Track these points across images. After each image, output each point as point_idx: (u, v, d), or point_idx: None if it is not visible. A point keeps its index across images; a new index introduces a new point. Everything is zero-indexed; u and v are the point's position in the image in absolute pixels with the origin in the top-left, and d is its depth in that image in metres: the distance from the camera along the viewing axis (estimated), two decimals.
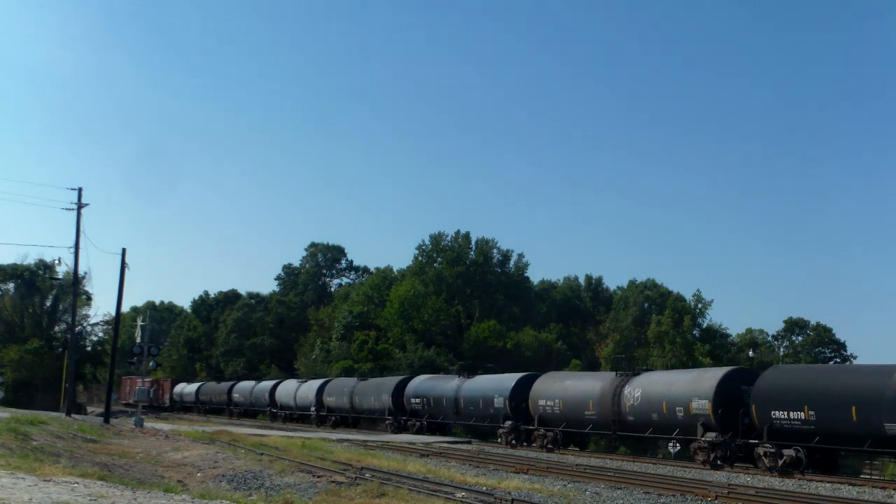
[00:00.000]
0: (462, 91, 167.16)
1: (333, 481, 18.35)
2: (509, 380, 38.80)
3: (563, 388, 35.27)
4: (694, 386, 29.01)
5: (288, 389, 59.87)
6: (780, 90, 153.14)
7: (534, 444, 35.59)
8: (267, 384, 65.01)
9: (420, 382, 45.70)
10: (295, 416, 58.58)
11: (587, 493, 18.93)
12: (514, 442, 36.39)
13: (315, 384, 56.19)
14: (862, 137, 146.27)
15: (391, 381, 48.32)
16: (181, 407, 79.16)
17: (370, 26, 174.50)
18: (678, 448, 33.30)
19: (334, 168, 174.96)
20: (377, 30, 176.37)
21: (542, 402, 35.54)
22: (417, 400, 44.49)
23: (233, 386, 70.83)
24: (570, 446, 35.42)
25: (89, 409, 68.37)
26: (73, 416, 40.83)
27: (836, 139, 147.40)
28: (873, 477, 25.22)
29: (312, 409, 54.54)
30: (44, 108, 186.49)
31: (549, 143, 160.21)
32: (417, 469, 22.01)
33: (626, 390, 31.51)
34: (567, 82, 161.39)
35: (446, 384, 43.19)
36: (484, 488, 18.10)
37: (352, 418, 51.62)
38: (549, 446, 34.44)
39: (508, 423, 37.02)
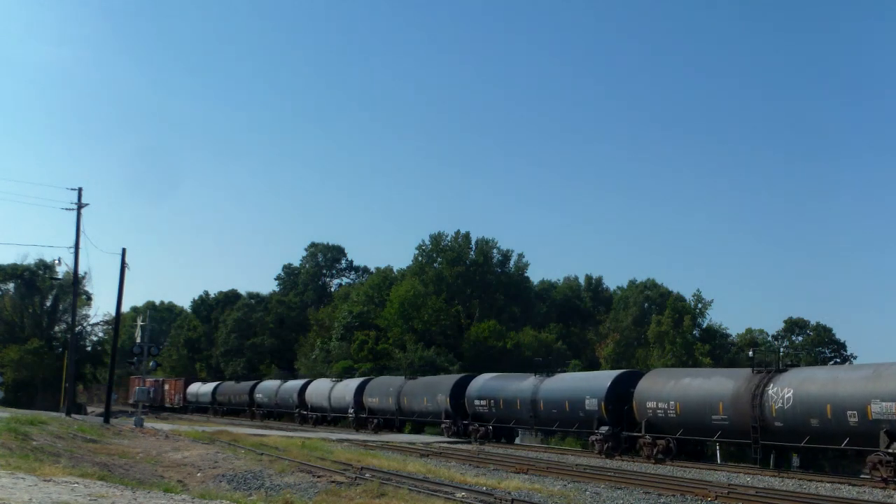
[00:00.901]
0: (462, 91, 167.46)
1: (333, 481, 18.34)
2: (604, 378, 33.89)
3: (679, 387, 29.84)
4: (872, 384, 23.49)
5: (320, 389, 54.50)
6: (779, 90, 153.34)
7: (638, 455, 30.59)
8: (295, 383, 59.80)
9: (486, 381, 40.69)
10: (329, 418, 53.65)
11: (587, 493, 18.92)
12: (610, 451, 31.40)
13: (353, 383, 50.83)
14: (862, 137, 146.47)
15: (448, 379, 43.86)
16: (196, 408, 74.77)
17: (370, 26, 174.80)
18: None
19: (334, 168, 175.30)
20: (377, 30, 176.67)
21: (650, 405, 30.26)
22: (483, 402, 39.36)
23: (255, 386, 65.68)
24: (682, 457, 29.82)
25: (89, 409, 68.28)
26: (73, 416, 40.83)
27: (836, 139, 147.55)
28: (874, 477, 24.57)
29: (351, 410, 49.10)
30: (44, 108, 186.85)
31: (549, 143, 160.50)
32: (417, 469, 22.00)
33: (772, 390, 26.21)
34: (567, 82, 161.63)
35: (520, 384, 38.01)
36: (484, 488, 18.09)
37: (399, 421, 46.41)
38: (660, 456, 29.32)
39: (604, 428, 31.89)
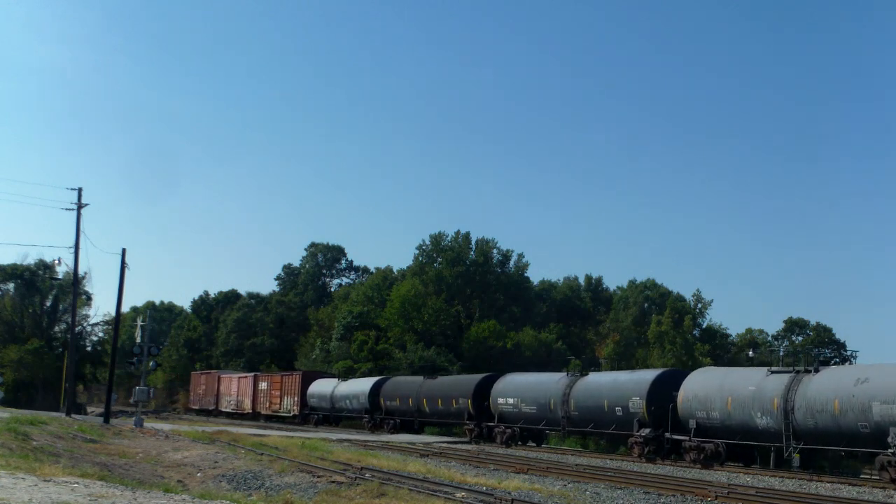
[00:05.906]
0: (462, 91, 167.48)
1: (333, 481, 18.33)
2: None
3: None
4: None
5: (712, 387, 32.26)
6: (779, 90, 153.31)
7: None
8: (628, 378, 33.16)
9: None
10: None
11: (587, 493, 18.90)
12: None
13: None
14: (862, 137, 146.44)
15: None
16: (328, 418, 51.11)
17: (370, 26, 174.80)
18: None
19: (334, 168, 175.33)
20: (377, 29, 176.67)
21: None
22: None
23: (490, 384, 38.69)
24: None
25: (89, 409, 68.25)
26: (73, 416, 40.84)
27: (836, 139, 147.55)
28: (873, 477, 24.43)
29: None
30: (43, 108, 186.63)
31: (548, 143, 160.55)
32: (417, 469, 21.99)
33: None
34: (567, 82, 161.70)
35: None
36: (484, 488, 18.08)
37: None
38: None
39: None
